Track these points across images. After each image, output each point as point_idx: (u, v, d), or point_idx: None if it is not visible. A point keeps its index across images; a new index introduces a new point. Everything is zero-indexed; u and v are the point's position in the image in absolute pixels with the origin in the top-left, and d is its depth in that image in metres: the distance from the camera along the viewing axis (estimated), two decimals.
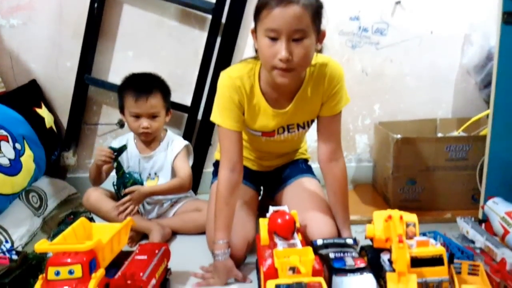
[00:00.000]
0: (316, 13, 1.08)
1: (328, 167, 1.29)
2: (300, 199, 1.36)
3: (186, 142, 1.61)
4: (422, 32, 1.89)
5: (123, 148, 1.51)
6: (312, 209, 1.31)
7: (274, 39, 1.06)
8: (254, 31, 1.13)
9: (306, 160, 1.54)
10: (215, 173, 1.41)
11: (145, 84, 1.50)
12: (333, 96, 1.23)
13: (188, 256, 1.39)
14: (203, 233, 1.44)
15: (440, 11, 1.87)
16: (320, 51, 1.21)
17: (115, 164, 1.49)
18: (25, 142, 1.54)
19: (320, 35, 1.13)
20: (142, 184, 1.52)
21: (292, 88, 1.22)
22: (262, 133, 1.30)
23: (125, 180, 1.49)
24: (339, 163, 1.29)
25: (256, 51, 1.16)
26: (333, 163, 1.28)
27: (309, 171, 1.49)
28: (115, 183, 1.53)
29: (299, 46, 1.06)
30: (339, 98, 1.24)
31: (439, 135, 1.87)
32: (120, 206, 1.44)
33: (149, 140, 1.56)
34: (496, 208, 1.28)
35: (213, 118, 1.24)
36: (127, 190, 1.46)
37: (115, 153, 1.48)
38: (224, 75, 1.23)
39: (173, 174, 1.58)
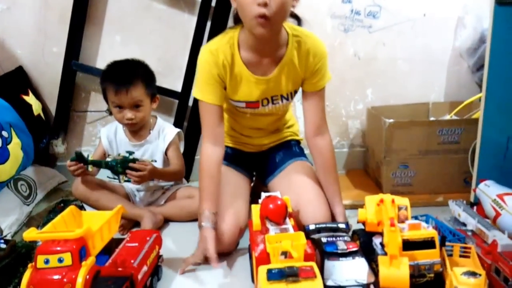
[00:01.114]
0: None
1: (314, 142, 1.33)
2: (293, 184, 1.36)
3: (177, 130, 1.59)
4: (415, 15, 1.87)
5: (78, 153, 1.42)
6: (306, 193, 1.32)
7: None
8: None
9: (298, 142, 1.54)
10: None
11: (125, 75, 1.45)
12: (316, 72, 1.27)
13: (181, 243, 1.39)
14: (195, 220, 1.42)
15: None
16: (299, 23, 1.27)
17: (90, 168, 1.44)
18: (12, 129, 1.51)
19: None
20: (130, 158, 1.47)
21: (273, 51, 1.24)
22: (246, 103, 1.30)
23: (114, 168, 1.45)
24: (325, 138, 1.33)
25: (236, 14, 1.19)
26: (319, 137, 1.32)
27: (302, 154, 1.49)
28: (109, 176, 1.51)
29: None
30: (322, 75, 1.28)
31: (432, 119, 1.86)
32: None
33: (136, 129, 1.54)
34: (488, 190, 1.28)
35: (195, 93, 1.27)
36: (136, 165, 1.42)
37: (79, 162, 1.42)
38: (203, 49, 1.25)
39: (165, 162, 1.57)
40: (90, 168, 1.43)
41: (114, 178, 1.51)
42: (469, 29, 1.79)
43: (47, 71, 1.83)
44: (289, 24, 1.26)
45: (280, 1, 1.09)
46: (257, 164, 1.50)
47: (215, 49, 1.23)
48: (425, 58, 1.92)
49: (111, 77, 1.46)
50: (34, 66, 1.82)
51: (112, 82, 1.44)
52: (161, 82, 1.80)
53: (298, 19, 1.30)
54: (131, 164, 1.42)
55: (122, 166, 1.43)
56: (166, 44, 1.84)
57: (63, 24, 1.75)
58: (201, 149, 1.27)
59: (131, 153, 1.50)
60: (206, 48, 1.25)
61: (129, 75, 1.45)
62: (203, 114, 1.26)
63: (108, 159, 1.50)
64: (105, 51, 1.83)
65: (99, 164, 1.45)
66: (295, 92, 1.33)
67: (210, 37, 1.74)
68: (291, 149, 1.48)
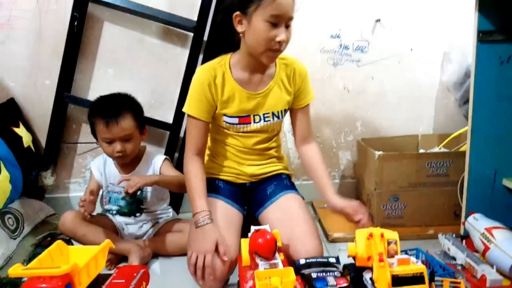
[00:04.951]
0: None
1: (302, 150, 1.48)
2: (285, 217, 1.35)
3: (164, 156, 1.61)
4: (402, 50, 1.92)
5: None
6: (298, 226, 1.31)
7: (274, 24, 1.22)
8: (242, 16, 1.25)
9: (289, 177, 1.54)
10: None
11: (113, 108, 1.46)
12: (302, 91, 1.42)
13: (169, 277, 1.36)
14: (184, 254, 1.40)
15: (419, 29, 1.91)
16: None
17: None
18: (1, 162, 1.50)
19: None
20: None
21: (264, 69, 1.38)
22: (239, 118, 1.38)
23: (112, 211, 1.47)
24: (312, 145, 1.48)
25: (237, 34, 1.29)
26: (306, 146, 1.47)
27: (293, 187, 1.49)
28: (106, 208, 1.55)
29: (288, 31, 1.26)
30: (307, 93, 1.43)
31: (421, 151, 1.88)
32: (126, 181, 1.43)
33: (126, 162, 1.54)
34: (476, 224, 1.28)
35: (185, 109, 1.36)
36: (128, 182, 1.42)
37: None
38: (198, 69, 1.38)
39: (157, 192, 1.56)
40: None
41: (109, 211, 1.51)
42: (454, 64, 1.84)
43: (38, 103, 1.83)
44: None
45: (290, 37, 1.27)
46: (249, 197, 1.49)
47: (208, 67, 1.35)
48: (413, 91, 1.96)
49: (100, 110, 1.47)
50: (26, 98, 1.83)
51: (102, 115, 1.45)
52: (153, 114, 1.83)
53: None
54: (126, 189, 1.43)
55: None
56: (159, 77, 1.87)
57: (56, 56, 1.77)
58: (185, 159, 1.36)
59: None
60: (200, 68, 1.38)
61: (118, 107, 1.46)
62: (190, 128, 1.36)
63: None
64: (98, 83, 1.84)
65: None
66: (285, 111, 1.44)
67: None
68: (282, 182, 1.48)
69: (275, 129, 1.46)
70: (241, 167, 1.45)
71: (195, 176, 1.33)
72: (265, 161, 1.48)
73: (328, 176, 1.42)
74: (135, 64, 1.85)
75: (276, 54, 1.28)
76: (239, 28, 1.27)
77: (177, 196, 1.80)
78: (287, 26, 1.25)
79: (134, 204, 1.55)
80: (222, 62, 1.36)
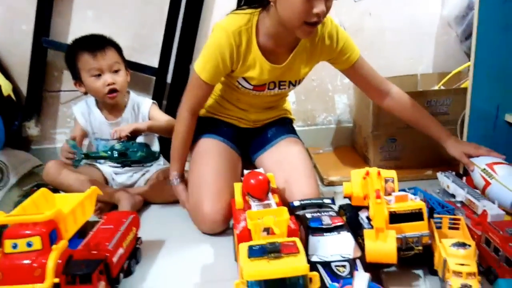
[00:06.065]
0: None
1: (387, 103, 1.36)
2: (284, 160, 1.33)
3: (151, 101, 1.54)
4: None
5: (72, 143, 1.32)
6: (295, 169, 1.29)
7: None
8: None
9: (291, 121, 1.51)
10: (201, 131, 1.39)
11: (96, 41, 1.42)
12: (341, 52, 1.28)
13: (161, 225, 1.34)
14: (175, 202, 1.38)
15: None
16: None
17: (82, 163, 1.34)
18: None
19: None
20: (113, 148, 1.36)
21: (291, 41, 1.24)
22: (254, 87, 1.29)
23: (113, 159, 1.34)
24: (394, 92, 1.35)
25: (267, 2, 1.15)
26: (388, 97, 1.35)
27: (294, 132, 1.47)
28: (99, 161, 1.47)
29: (328, 1, 1.10)
30: (350, 52, 1.29)
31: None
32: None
33: (116, 100, 1.46)
34: (477, 160, 1.24)
35: (198, 70, 1.24)
36: (119, 133, 1.33)
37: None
38: (220, 27, 1.20)
39: (146, 140, 1.51)
40: (82, 163, 1.34)
41: (96, 161, 1.45)
42: None
43: (16, 50, 1.73)
44: None
45: (330, 7, 1.11)
46: (249, 140, 1.46)
47: (233, 31, 1.19)
48: (412, 28, 1.86)
49: (83, 45, 1.41)
50: (2, 45, 1.72)
51: (86, 48, 1.39)
52: (137, 59, 1.74)
53: None
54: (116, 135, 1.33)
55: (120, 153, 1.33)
56: (141, 19, 1.76)
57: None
58: (179, 113, 1.31)
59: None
60: (223, 28, 1.19)
61: (100, 41, 1.42)
62: (194, 86, 1.28)
63: (101, 149, 1.42)
64: (77, 27, 1.73)
65: (88, 156, 1.33)
66: (302, 79, 1.35)
67: (187, 11, 1.68)
68: (285, 126, 1.46)
69: (288, 93, 1.42)
70: (246, 115, 1.42)
71: (181, 139, 1.31)
72: (271, 109, 1.45)
73: (433, 119, 1.34)
74: (115, 5, 1.74)
75: (313, 29, 1.13)
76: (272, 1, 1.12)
77: (166, 145, 1.74)
78: None
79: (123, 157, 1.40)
80: (249, 25, 1.20)
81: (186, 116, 1.30)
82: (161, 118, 1.51)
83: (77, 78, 1.43)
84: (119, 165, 1.40)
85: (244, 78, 1.27)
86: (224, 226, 1.24)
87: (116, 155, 1.32)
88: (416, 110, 1.35)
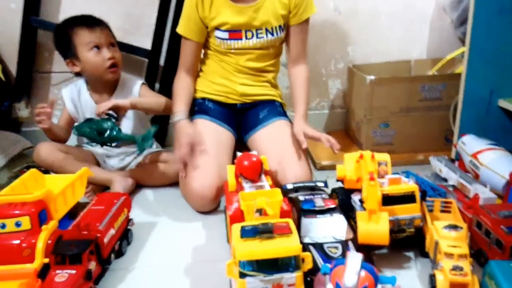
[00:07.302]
0: None
1: (292, 70, 1.43)
2: (275, 141, 1.33)
3: (141, 81, 1.51)
4: None
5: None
6: (288, 151, 1.29)
7: None
8: None
9: (282, 106, 1.50)
10: (191, 112, 1.40)
11: (90, 18, 1.41)
12: (301, 3, 1.33)
13: (153, 207, 1.33)
14: (168, 185, 1.37)
15: None
16: None
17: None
18: None
19: None
20: (110, 125, 1.33)
21: None
22: (229, 33, 1.33)
23: (94, 135, 1.32)
24: (300, 67, 1.42)
25: None
26: (296, 68, 1.42)
27: (286, 115, 1.47)
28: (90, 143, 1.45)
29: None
30: (306, 5, 1.34)
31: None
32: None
33: (116, 76, 1.43)
34: (465, 148, 1.25)
35: (178, 29, 1.37)
36: (99, 108, 1.30)
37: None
38: None
39: (137, 118, 1.49)
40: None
41: (88, 143, 1.43)
42: None
43: (4, 29, 1.68)
44: None
45: None
46: (240, 120, 1.45)
47: None
48: (407, 12, 1.84)
49: (78, 21, 1.39)
50: None
51: (83, 23, 1.38)
52: (129, 39, 1.70)
53: None
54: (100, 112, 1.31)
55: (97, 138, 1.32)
56: None
57: None
58: (176, 77, 1.40)
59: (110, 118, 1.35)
60: None
61: (93, 18, 1.42)
62: (183, 48, 1.39)
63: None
64: (67, 6, 1.69)
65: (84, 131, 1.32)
66: (280, 28, 1.36)
67: None
68: (276, 109, 1.46)
69: (270, 47, 1.39)
70: (233, 85, 1.41)
71: (181, 87, 1.37)
72: (259, 83, 1.44)
73: (305, 100, 1.38)
74: None
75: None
76: None
77: (162, 129, 1.73)
78: None
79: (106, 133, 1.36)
80: None
81: (182, 75, 1.39)
82: (151, 94, 1.50)
83: (71, 56, 1.40)
84: (98, 144, 1.37)
85: (218, 28, 1.32)
86: (214, 202, 1.25)
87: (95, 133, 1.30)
88: (299, 87, 1.40)
